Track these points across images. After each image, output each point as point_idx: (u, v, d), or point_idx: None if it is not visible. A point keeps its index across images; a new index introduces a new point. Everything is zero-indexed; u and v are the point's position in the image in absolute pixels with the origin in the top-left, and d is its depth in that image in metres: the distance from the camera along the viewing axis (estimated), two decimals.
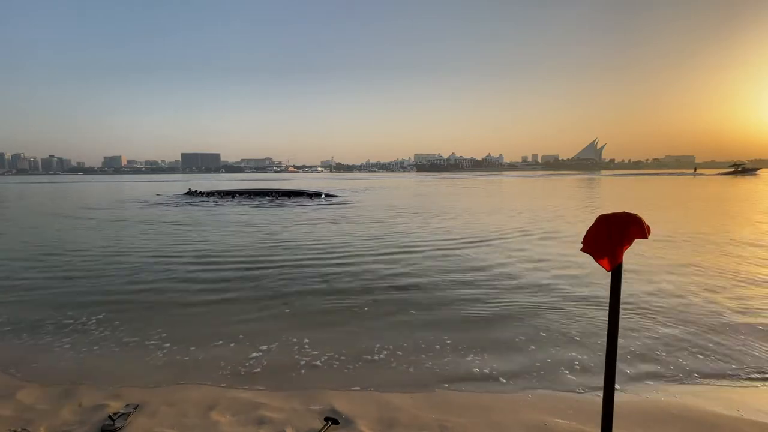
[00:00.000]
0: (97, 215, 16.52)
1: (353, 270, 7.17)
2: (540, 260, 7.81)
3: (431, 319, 4.90)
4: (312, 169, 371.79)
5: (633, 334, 4.40)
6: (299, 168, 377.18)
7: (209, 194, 27.93)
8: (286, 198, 25.96)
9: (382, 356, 3.95)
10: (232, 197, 26.44)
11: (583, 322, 4.77)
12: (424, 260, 7.90)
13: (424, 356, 3.93)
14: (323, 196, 26.63)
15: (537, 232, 11.30)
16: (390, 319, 4.91)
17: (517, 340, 4.30)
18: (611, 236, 1.77)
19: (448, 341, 4.25)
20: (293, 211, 18.35)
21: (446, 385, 3.43)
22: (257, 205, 21.03)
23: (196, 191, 29.47)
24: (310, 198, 25.72)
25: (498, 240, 10.08)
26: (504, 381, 3.51)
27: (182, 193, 30.31)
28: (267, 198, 25.92)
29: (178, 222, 14.17)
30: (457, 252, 8.64)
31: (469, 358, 3.89)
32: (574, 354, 3.97)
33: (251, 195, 27.34)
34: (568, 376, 3.57)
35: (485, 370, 3.67)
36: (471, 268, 7.28)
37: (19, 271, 7.21)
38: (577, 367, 3.71)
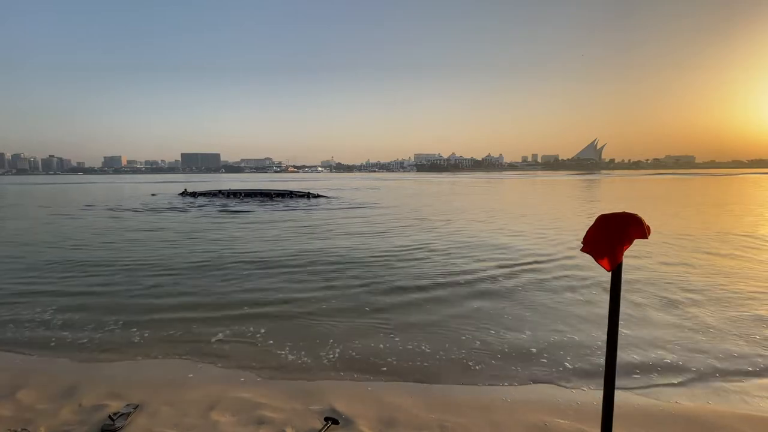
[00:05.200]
0: None
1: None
2: None
3: None
4: (312, 169, 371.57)
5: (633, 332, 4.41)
6: (299, 168, 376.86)
7: (202, 195, 28.59)
8: (281, 198, 25.91)
9: None
10: (227, 197, 26.98)
11: None
12: None
13: None
14: (318, 196, 26.62)
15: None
16: None
17: None
18: (611, 236, 1.77)
19: None
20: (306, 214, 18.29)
21: (443, 385, 3.44)
22: (238, 211, 18.13)
23: (190, 192, 30.21)
24: (308, 199, 25.72)
25: None
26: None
27: (177, 193, 31.16)
28: (257, 198, 25.98)
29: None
30: None
31: None
32: None
33: (243, 196, 27.64)
34: None
35: None
36: None
37: None
38: None
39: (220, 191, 29.34)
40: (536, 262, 7.73)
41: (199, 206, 20.80)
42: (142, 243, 10.10)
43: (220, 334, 4.43)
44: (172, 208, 19.62)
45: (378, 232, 11.79)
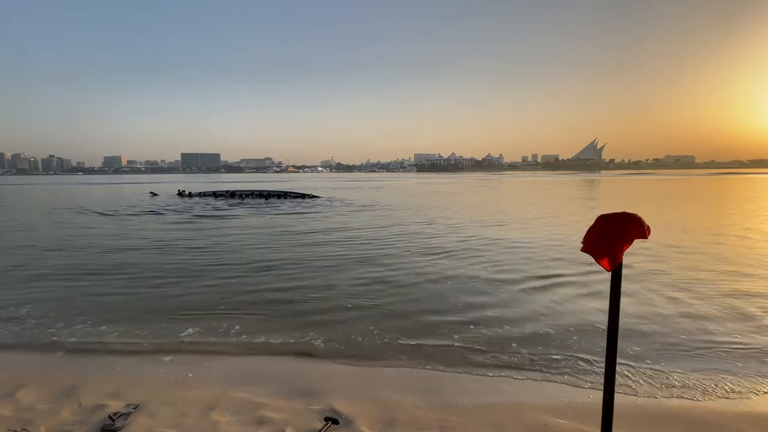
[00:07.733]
0: None
1: None
2: None
3: None
4: (312, 169, 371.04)
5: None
6: (299, 168, 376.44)
7: (197, 195, 28.99)
8: (277, 199, 25.78)
9: None
10: (220, 197, 27.25)
11: None
12: None
13: None
14: (315, 197, 26.53)
15: None
16: None
17: None
18: (611, 236, 1.77)
19: None
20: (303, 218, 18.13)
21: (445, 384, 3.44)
22: (221, 216, 16.25)
23: (185, 192, 30.44)
24: (303, 199, 25.63)
25: None
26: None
27: (175, 193, 31.41)
28: (252, 199, 25.95)
29: None
30: None
31: None
32: None
33: (238, 196, 27.77)
34: None
35: None
36: None
37: None
38: None
39: (214, 192, 29.56)
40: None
41: (182, 210, 18.85)
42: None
43: None
44: (150, 212, 17.77)
45: (378, 240, 10.77)
